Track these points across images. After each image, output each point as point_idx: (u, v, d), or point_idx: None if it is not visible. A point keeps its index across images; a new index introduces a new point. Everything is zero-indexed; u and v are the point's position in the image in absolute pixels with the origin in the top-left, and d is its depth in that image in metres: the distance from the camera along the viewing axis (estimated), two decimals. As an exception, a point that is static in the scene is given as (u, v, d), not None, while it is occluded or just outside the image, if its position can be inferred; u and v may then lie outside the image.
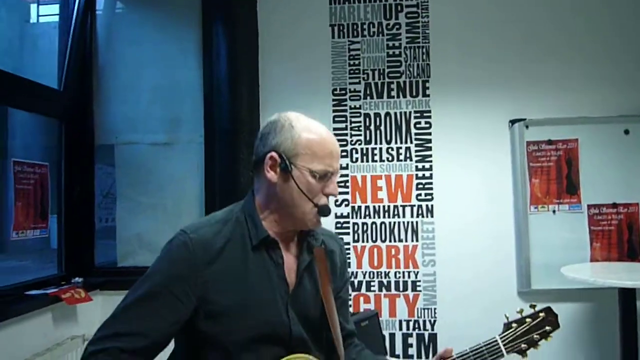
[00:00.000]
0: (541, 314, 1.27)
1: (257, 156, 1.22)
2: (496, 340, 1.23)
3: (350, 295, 1.50)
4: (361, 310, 2.86)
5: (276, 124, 1.21)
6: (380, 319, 2.81)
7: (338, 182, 2.89)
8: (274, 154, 1.17)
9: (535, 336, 1.24)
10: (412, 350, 2.85)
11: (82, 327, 2.75)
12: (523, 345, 1.23)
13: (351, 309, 2.83)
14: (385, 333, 2.85)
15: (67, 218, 3.03)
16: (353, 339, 1.41)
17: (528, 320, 1.26)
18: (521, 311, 1.29)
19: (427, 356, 2.83)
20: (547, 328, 1.26)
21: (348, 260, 2.91)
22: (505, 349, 1.22)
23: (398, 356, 2.84)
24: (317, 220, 1.21)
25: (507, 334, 1.24)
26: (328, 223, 2.91)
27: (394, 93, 2.98)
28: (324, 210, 1.20)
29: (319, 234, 1.29)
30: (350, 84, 3.01)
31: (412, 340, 2.86)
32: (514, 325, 1.26)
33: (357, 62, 3.01)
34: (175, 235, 1.17)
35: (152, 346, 1.09)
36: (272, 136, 1.19)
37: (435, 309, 2.86)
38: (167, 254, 1.14)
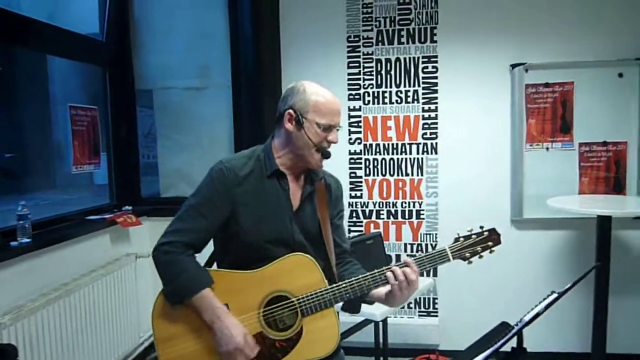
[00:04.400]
0: (486, 233, 1.60)
1: (279, 112, 1.62)
2: (445, 249, 1.57)
3: (345, 221, 1.82)
4: (371, 235, 3.27)
5: (293, 88, 1.61)
6: (387, 242, 3.24)
7: (351, 122, 3.24)
8: (291, 110, 1.57)
9: (478, 248, 1.58)
10: (415, 269, 3.28)
11: (134, 246, 3.26)
12: (467, 254, 1.57)
13: (363, 230, 3.25)
14: (392, 254, 3.28)
15: (115, 155, 3.48)
16: (347, 256, 1.79)
17: (474, 236, 1.59)
18: (471, 230, 1.61)
19: (428, 274, 3.25)
20: (490, 243, 1.59)
21: (360, 192, 3.30)
22: (452, 255, 1.57)
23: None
24: (319, 162, 1.60)
25: (455, 245, 1.58)
26: (342, 159, 3.28)
27: (403, 39, 3.23)
28: (325, 153, 1.59)
29: (320, 173, 1.69)
30: (363, 31, 3.26)
31: (415, 261, 3.28)
32: (461, 239, 1.59)
33: (370, 10, 3.24)
34: (215, 164, 1.60)
35: (199, 240, 1.55)
36: (290, 98, 1.59)
37: (436, 234, 3.25)
38: (210, 177, 1.58)
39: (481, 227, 1.61)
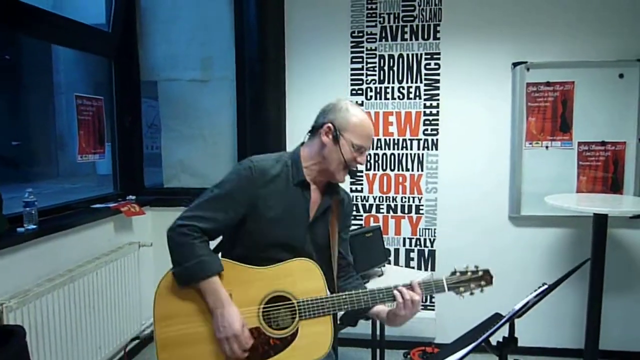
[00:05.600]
0: (480, 272, 1.63)
1: (317, 123, 1.69)
2: (442, 280, 1.62)
3: (350, 230, 1.85)
4: (371, 229, 3.32)
5: (336, 105, 1.68)
6: (386, 236, 3.29)
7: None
8: (330, 124, 1.64)
9: (472, 285, 1.63)
10: (414, 263, 3.32)
11: (137, 235, 3.31)
12: (461, 289, 1.63)
13: (362, 224, 3.29)
14: (391, 248, 3.33)
15: (120, 145, 3.52)
16: (350, 269, 1.85)
17: (469, 273, 1.64)
18: (467, 267, 1.65)
19: (426, 269, 3.31)
20: (482, 282, 1.63)
21: (361, 187, 3.35)
22: (447, 287, 1.62)
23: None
24: (344, 178, 1.69)
25: (452, 278, 1.63)
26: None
27: (407, 36, 3.26)
28: (352, 172, 1.71)
29: (340, 190, 1.76)
30: (367, 26, 3.29)
31: (414, 255, 3.33)
32: (458, 273, 1.64)
33: (374, 6, 3.27)
34: (244, 160, 1.65)
35: (216, 229, 1.59)
36: (332, 113, 1.66)
37: (435, 229, 3.30)
38: (237, 171, 1.63)
39: (476, 267, 1.65)
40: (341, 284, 1.76)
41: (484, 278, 1.64)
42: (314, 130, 1.69)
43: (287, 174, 1.65)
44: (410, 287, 1.58)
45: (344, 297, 1.58)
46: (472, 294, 1.64)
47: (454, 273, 1.65)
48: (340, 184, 1.81)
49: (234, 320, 1.51)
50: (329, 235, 1.71)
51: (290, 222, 1.63)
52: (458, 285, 1.62)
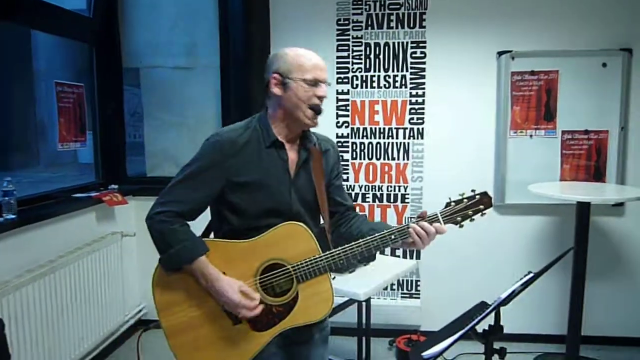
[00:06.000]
0: (477, 196, 1.55)
1: (265, 81, 1.63)
2: (437, 214, 1.57)
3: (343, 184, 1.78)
4: (356, 218, 3.31)
5: (275, 55, 1.62)
6: (372, 225, 3.29)
7: (339, 105, 3.25)
8: (275, 74, 1.58)
9: (469, 212, 1.56)
10: (399, 252, 3.33)
11: (120, 225, 3.26)
12: (458, 218, 1.56)
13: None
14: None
15: (101, 133, 3.45)
16: (351, 212, 1.80)
17: (465, 200, 1.57)
18: (463, 194, 1.58)
19: (411, 257, 3.32)
20: (481, 206, 1.56)
21: (347, 175, 3.34)
22: (443, 220, 1.56)
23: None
24: (313, 118, 1.60)
25: (446, 210, 1.57)
26: (329, 142, 3.29)
27: (393, 24, 3.24)
28: (316, 108, 1.58)
29: (314, 138, 1.69)
30: (353, 14, 3.26)
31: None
32: (452, 203, 1.58)
33: (360, -7, 3.24)
34: (210, 135, 1.60)
35: (193, 210, 1.56)
36: (273, 64, 1.60)
37: (420, 218, 3.30)
38: (204, 149, 1.58)
39: (473, 191, 1.58)
40: (343, 231, 1.72)
41: (483, 201, 1.55)
42: (267, 88, 1.61)
43: (257, 138, 1.59)
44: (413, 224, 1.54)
45: (337, 252, 1.55)
46: (472, 220, 1.56)
47: (448, 204, 1.58)
48: (322, 135, 1.75)
49: (227, 291, 1.50)
50: (315, 189, 1.64)
51: (272, 186, 1.58)
52: (455, 215, 1.56)
